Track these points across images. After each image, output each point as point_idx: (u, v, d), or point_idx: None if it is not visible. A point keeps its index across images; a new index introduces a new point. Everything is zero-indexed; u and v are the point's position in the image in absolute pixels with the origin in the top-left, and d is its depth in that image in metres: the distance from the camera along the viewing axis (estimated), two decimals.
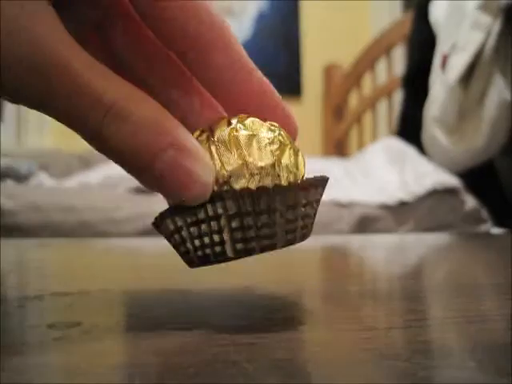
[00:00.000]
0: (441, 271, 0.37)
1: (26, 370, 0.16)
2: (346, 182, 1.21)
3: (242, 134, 0.21)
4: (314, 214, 0.23)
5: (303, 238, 0.22)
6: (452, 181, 1.14)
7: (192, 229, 0.21)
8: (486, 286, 0.31)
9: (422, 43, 1.46)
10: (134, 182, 0.99)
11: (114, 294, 0.27)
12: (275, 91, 0.24)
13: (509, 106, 1.11)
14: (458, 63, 1.18)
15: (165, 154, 0.19)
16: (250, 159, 0.20)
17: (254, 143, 0.21)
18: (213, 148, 0.21)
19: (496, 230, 1.10)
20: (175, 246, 0.22)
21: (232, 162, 0.20)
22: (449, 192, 1.14)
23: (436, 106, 1.27)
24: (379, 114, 2.10)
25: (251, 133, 0.21)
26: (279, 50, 2.43)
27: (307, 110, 2.38)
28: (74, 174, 1.42)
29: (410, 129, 1.44)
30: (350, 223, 1.04)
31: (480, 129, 1.16)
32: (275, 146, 0.21)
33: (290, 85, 2.43)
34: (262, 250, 0.21)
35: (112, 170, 1.14)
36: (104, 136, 0.19)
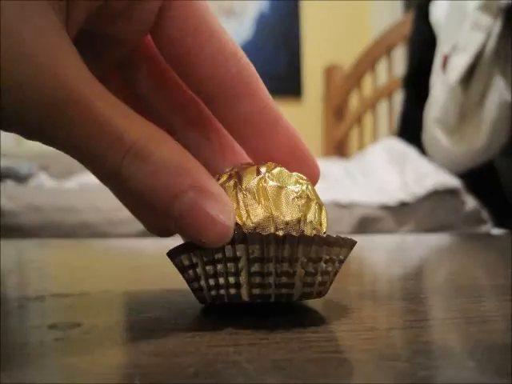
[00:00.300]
0: (441, 272, 0.37)
1: (26, 369, 0.16)
2: (346, 182, 1.21)
3: (271, 185, 0.21)
4: (334, 274, 0.22)
5: (319, 294, 0.22)
6: (452, 181, 1.14)
7: (208, 267, 0.21)
8: (486, 287, 0.31)
9: (422, 44, 1.46)
10: None
11: (114, 295, 0.27)
12: (300, 138, 0.23)
13: (509, 107, 1.11)
14: (459, 64, 1.18)
15: (185, 195, 0.18)
16: (277, 213, 0.20)
17: (282, 196, 0.21)
18: (240, 196, 0.20)
19: (496, 231, 1.10)
20: (188, 281, 0.22)
21: (258, 213, 0.20)
22: (449, 193, 1.14)
23: (436, 107, 1.27)
24: (380, 114, 2.10)
25: (279, 184, 0.21)
26: (279, 50, 2.43)
27: (308, 111, 2.38)
28: (74, 175, 1.42)
29: (410, 129, 1.44)
30: (351, 224, 1.04)
31: (480, 129, 1.16)
32: (302, 201, 0.21)
33: (291, 86, 2.43)
34: (278, 298, 0.20)
35: None
36: (123, 176, 0.18)
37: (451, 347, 0.18)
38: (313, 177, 0.23)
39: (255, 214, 0.20)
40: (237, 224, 0.20)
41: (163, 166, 0.18)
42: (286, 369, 0.15)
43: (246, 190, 0.20)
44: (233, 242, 0.20)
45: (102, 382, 0.15)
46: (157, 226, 0.26)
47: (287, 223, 0.20)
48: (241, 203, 0.20)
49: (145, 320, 0.21)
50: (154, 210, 0.19)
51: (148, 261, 0.44)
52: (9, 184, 1.26)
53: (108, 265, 0.40)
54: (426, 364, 0.16)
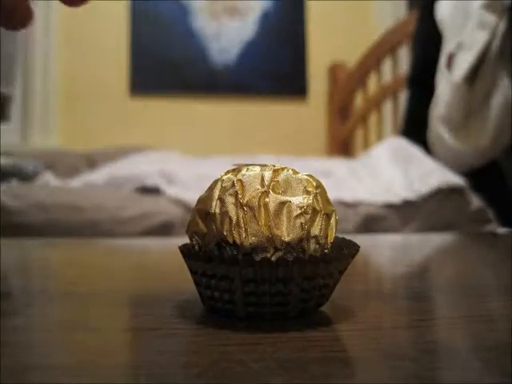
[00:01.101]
0: (446, 271, 0.37)
1: (26, 369, 0.16)
2: (351, 181, 1.21)
3: (273, 200, 0.20)
4: (335, 284, 0.22)
5: (317, 306, 0.22)
6: (457, 180, 1.14)
7: (204, 279, 0.21)
8: (491, 286, 0.31)
9: (427, 42, 1.45)
10: (139, 182, 0.99)
11: (118, 294, 0.27)
12: None
13: None
14: (464, 62, 1.18)
15: None
16: (277, 232, 0.20)
17: (284, 213, 0.20)
18: (240, 213, 0.20)
19: (501, 230, 1.10)
20: (194, 282, 0.22)
21: (257, 233, 0.20)
22: (454, 191, 1.13)
23: (441, 105, 1.27)
24: (384, 113, 2.09)
25: (283, 199, 0.20)
26: (284, 49, 2.43)
27: (312, 110, 2.38)
28: (80, 174, 1.42)
29: (415, 128, 1.43)
30: (355, 223, 1.04)
31: (485, 128, 1.16)
32: (307, 217, 0.20)
33: (295, 85, 2.42)
34: (273, 315, 0.21)
35: (117, 170, 1.14)
36: None
37: (456, 347, 0.18)
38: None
39: (254, 234, 0.20)
40: (234, 244, 0.20)
41: None
42: (292, 368, 0.15)
43: (246, 206, 0.20)
44: (225, 263, 0.20)
45: (107, 382, 0.15)
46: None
47: (288, 244, 0.20)
48: (240, 221, 0.20)
49: (149, 319, 0.21)
50: None
51: (153, 260, 0.44)
52: (14, 182, 1.26)
53: (113, 263, 0.40)
54: (431, 363, 0.16)
